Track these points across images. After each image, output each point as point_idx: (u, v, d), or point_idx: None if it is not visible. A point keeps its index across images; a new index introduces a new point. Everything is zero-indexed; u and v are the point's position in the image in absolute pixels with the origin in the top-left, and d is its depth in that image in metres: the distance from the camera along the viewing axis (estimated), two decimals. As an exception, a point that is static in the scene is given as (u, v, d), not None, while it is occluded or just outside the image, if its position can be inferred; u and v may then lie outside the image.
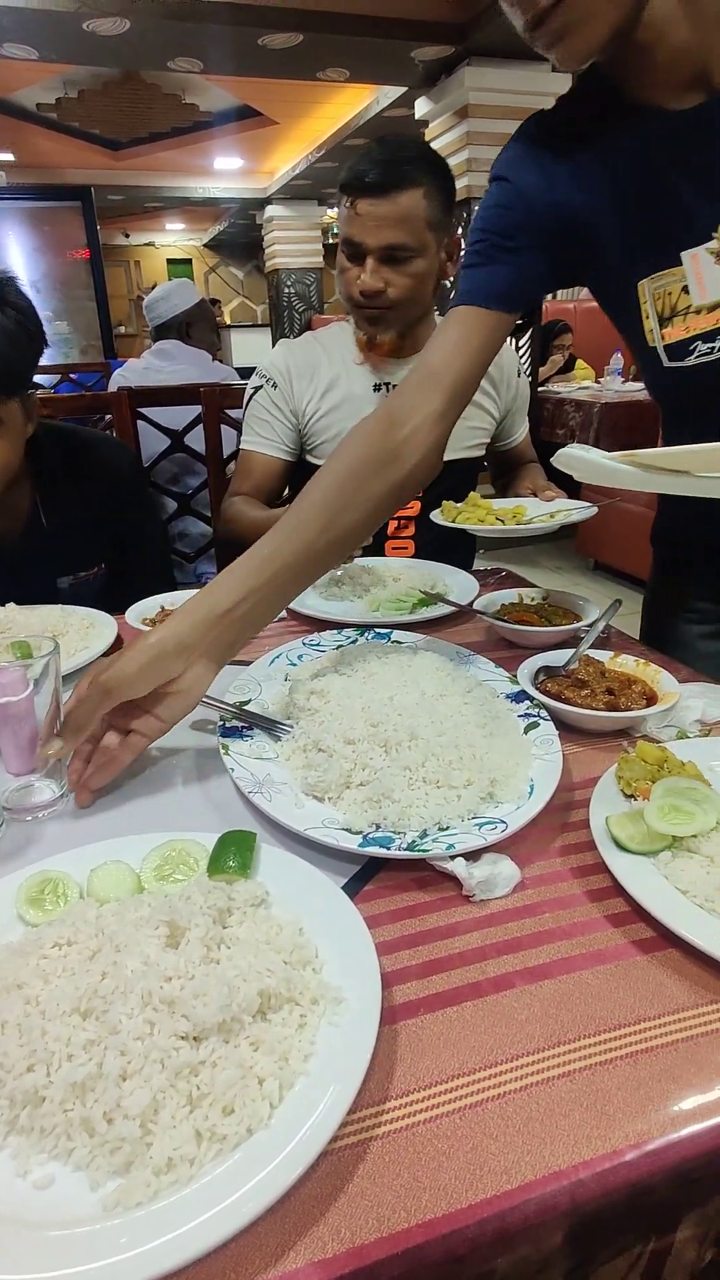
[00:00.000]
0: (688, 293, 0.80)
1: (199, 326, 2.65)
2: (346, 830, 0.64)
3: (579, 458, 0.77)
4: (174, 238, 11.49)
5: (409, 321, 1.34)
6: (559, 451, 0.78)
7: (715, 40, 0.70)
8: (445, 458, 0.92)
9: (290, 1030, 0.46)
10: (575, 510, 1.17)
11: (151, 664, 0.69)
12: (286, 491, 1.57)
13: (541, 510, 1.21)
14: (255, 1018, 0.46)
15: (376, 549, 1.43)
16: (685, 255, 0.79)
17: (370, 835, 0.64)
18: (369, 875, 0.63)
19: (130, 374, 2.57)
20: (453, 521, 1.16)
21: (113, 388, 2.41)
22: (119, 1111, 0.40)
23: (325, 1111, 0.41)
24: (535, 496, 1.28)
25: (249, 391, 1.48)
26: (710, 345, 0.81)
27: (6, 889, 0.56)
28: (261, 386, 1.45)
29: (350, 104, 5.50)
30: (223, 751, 0.74)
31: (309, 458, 1.47)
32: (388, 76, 4.45)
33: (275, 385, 1.43)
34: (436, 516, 1.18)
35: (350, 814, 0.66)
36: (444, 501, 1.19)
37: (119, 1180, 0.39)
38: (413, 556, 1.42)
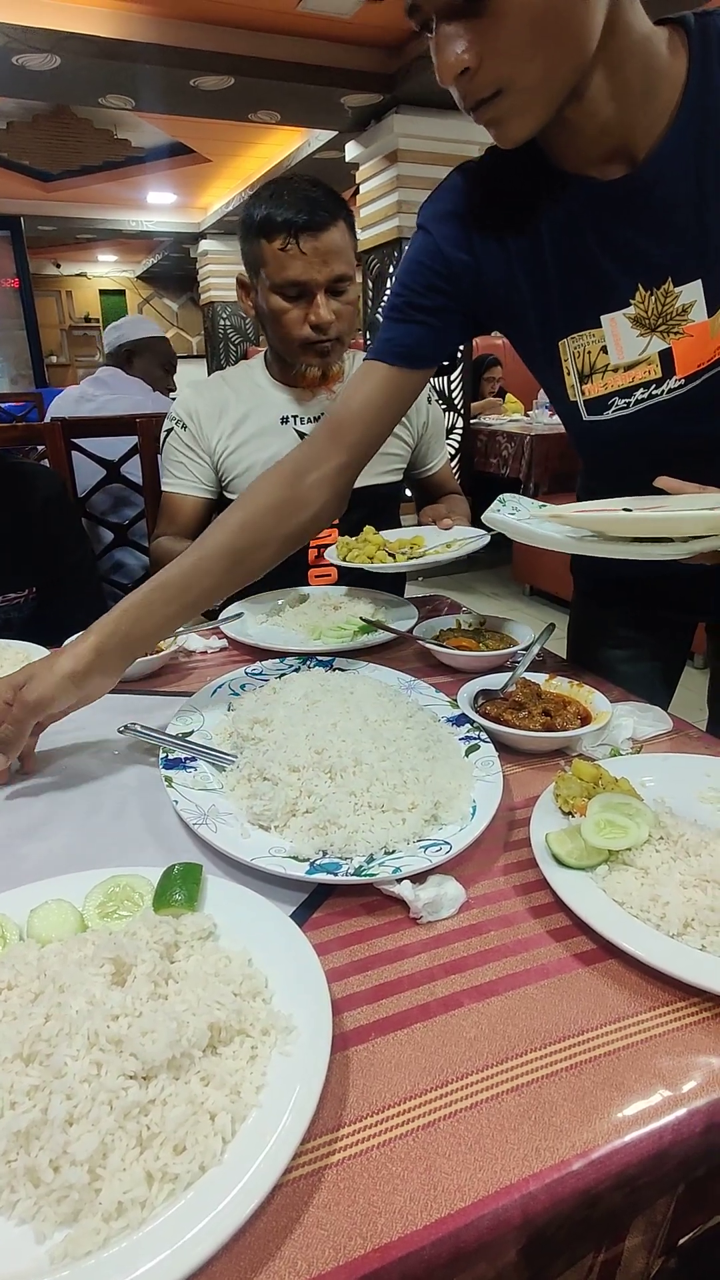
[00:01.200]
0: (606, 352, 0.84)
1: (142, 358, 2.66)
2: (294, 858, 0.65)
3: (505, 522, 0.80)
4: (106, 269, 11.45)
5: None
6: (485, 513, 0.83)
7: (639, 116, 0.73)
8: (357, 485, 0.97)
9: (241, 1063, 0.45)
10: (471, 540, 1.21)
11: (65, 684, 0.77)
12: None
13: (438, 540, 1.24)
14: (205, 1052, 0.45)
15: (300, 579, 1.44)
16: (605, 319, 0.82)
17: (317, 862, 0.64)
18: (317, 902, 0.63)
19: (65, 403, 2.55)
20: (343, 559, 1.19)
21: (48, 418, 2.39)
22: (65, 1158, 0.39)
23: (278, 1143, 0.41)
24: (434, 524, 1.33)
25: (163, 435, 1.50)
26: (626, 401, 0.86)
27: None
28: (173, 429, 1.46)
29: (282, 145, 5.63)
30: (166, 784, 0.73)
31: (228, 494, 1.48)
32: (318, 121, 4.59)
33: (185, 427, 1.44)
34: (331, 554, 1.21)
35: (297, 842, 0.66)
36: (339, 539, 1.23)
37: (67, 1230, 0.38)
38: (336, 584, 1.43)
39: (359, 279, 4.50)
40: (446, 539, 1.24)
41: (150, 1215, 0.38)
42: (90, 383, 2.53)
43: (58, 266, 10.98)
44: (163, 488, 1.50)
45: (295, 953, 0.53)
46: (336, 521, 1.38)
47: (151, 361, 2.70)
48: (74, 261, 10.97)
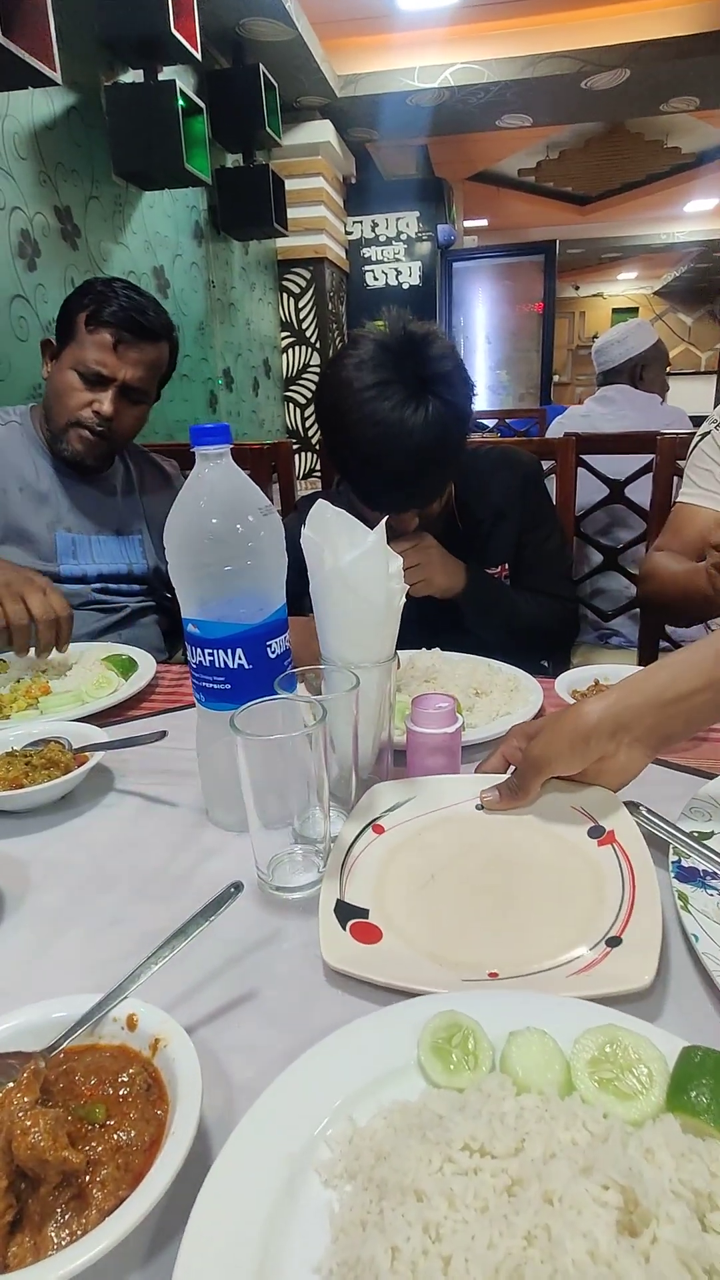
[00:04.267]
0: None
1: (653, 368, 2.46)
2: None
3: None
4: (623, 286, 11.37)
5: None
6: None
7: None
8: None
9: None
10: None
11: (583, 742, 0.66)
12: None
13: None
14: None
15: None
16: None
17: None
18: None
19: (569, 420, 2.50)
20: None
21: (554, 433, 2.37)
22: None
23: None
24: None
25: (696, 438, 1.29)
26: None
27: (406, 1019, 0.47)
28: (710, 433, 1.24)
29: None
30: (679, 905, 0.56)
31: None
32: None
33: None
34: None
35: None
36: None
37: None
38: None
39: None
40: None
41: None
42: (596, 400, 2.44)
43: (576, 289, 11.28)
44: (680, 498, 1.33)
45: None
46: None
47: (659, 369, 2.48)
48: (593, 282, 11.14)
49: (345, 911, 0.59)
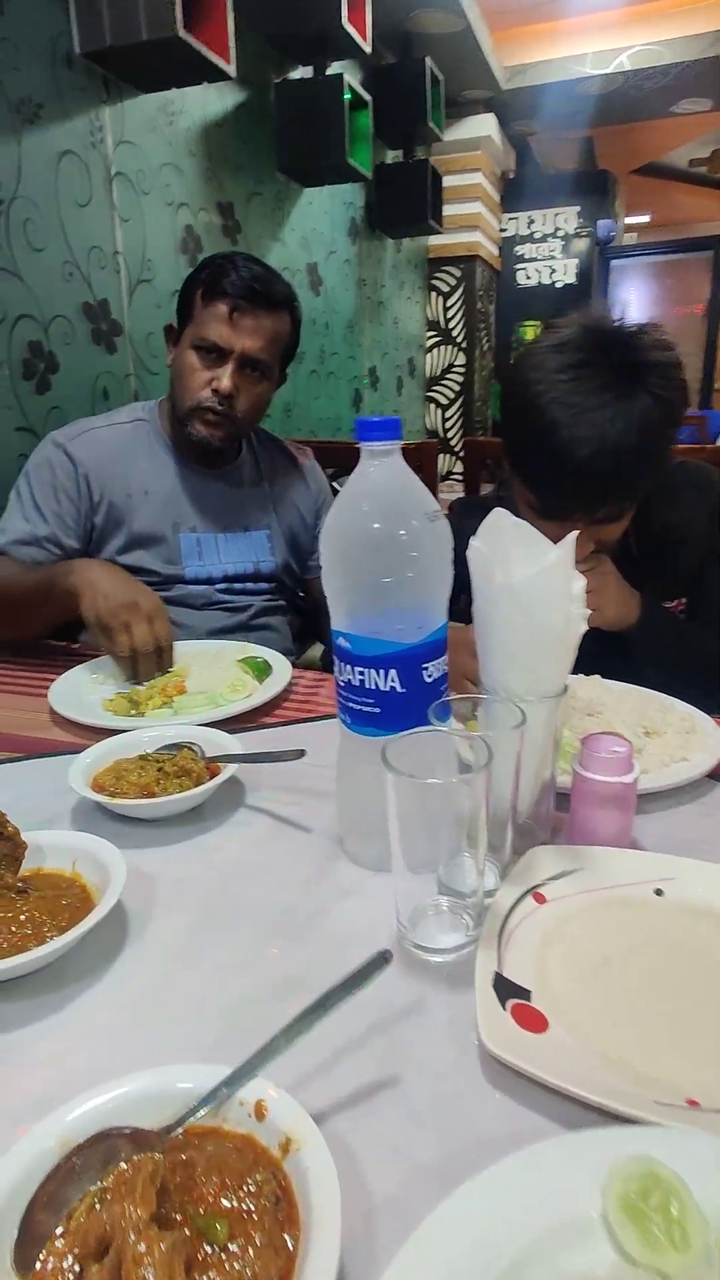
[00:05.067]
0: None
1: None
2: None
3: None
4: None
5: None
6: None
7: None
8: None
9: None
10: None
11: None
12: None
13: None
14: None
15: None
16: None
17: None
18: None
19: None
20: None
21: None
22: None
23: None
24: None
25: None
26: None
27: (591, 1154, 0.38)
28: None
29: None
30: None
31: None
32: None
33: None
34: None
35: None
36: None
37: None
38: None
39: None
40: None
41: None
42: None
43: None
44: None
45: None
46: None
47: None
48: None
49: (505, 989, 0.50)
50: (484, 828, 0.55)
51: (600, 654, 1.03)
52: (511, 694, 0.64)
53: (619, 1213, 0.35)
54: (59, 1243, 0.33)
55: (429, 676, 0.63)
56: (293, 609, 1.54)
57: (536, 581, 0.61)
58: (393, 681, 0.62)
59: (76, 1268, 0.32)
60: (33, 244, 1.56)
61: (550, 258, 4.74)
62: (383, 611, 0.62)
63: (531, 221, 4.72)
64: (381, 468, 0.61)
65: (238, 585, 1.41)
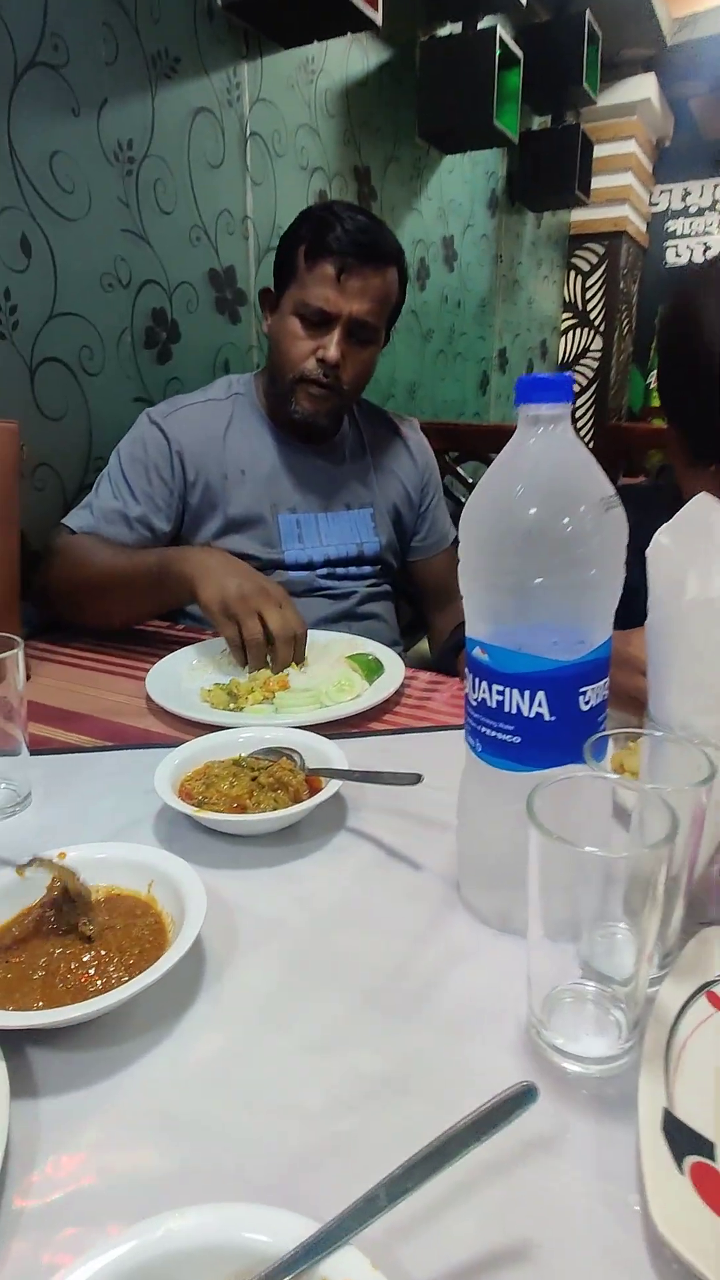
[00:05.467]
0: None
1: None
2: None
3: None
4: None
5: None
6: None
7: None
8: None
9: None
10: None
11: None
12: None
13: None
14: None
15: None
16: None
17: None
18: None
19: None
20: None
21: None
22: None
23: None
24: None
25: None
26: None
27: None
28: None
29: None
30: None
31: None
32: None
33: None
34: None
35: None
36: None
37: None
38: None
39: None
40: None
41: None
42: None
43: None
44: None
45: None
46: None
47: None
48: None
49: (680, 1137, 0.38)
50: (658, 907, 0.42)
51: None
52: (692, 733, 0.50)
53: None
54: None
55: (586, 704, 0.50)
56: (400, 594, 1.43)
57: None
58: (539, 706, 0.50)
59: None
60: (162, 206, 1.51)
61: (706, 233, 4.35)
62: (534, 620, 0.49)
63: (687, 194, 4.35)
64: (545, 439, 0.49)
65: (340, 570, 1.31)
